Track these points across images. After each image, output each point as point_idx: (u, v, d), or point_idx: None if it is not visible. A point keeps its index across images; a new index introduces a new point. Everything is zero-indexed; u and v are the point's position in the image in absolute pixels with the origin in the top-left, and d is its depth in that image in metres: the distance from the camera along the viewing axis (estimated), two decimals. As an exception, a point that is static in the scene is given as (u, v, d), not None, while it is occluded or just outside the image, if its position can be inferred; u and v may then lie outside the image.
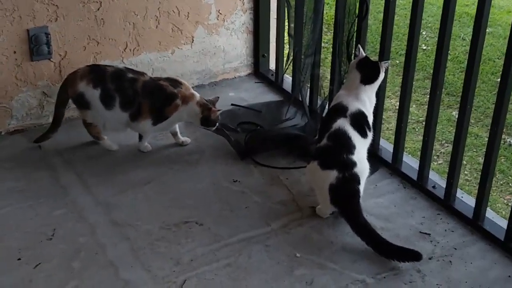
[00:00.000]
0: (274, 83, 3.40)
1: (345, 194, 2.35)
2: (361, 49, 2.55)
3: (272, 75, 3.44)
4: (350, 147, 2.37)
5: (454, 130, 2.50)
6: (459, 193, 2.57)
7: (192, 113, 2.75)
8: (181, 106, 2.73)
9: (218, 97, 2.84)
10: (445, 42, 2.41)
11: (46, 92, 2.95)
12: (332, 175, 2.34)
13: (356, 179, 2.35)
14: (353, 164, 2.35)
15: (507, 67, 2.20)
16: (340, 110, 2.44)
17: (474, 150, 3.96)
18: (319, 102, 3.06)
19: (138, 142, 2.85)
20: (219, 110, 2.77)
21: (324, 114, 2.87)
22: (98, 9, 2.92)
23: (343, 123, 2.40)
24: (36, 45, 2.83)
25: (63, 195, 2.58)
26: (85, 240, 2.35)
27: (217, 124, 2.78)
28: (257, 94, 3.35)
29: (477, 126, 4.19)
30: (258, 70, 3.49)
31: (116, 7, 2.96)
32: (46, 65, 2.91)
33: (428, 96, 2.54)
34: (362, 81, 2.49)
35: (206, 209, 2.52)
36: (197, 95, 2.78)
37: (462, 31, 5.29)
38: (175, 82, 2.76)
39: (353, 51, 2.74)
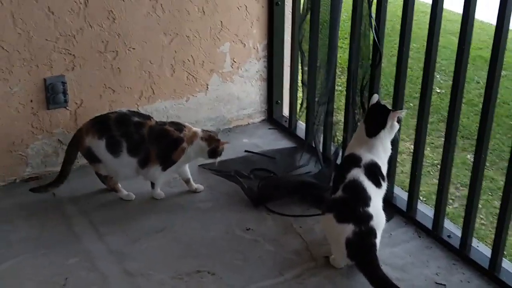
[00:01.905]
0: (288, 130, 3.42)
1: (362, 248, 2.32)
2: (374, 96, 2.52)
3: (286, 121, 3.46)
4: (366, 199, 2.35)
5: (469, 173, 2.48)
6: (475, 243, 2.54)
7: (198, 150, 2.77)
8: (188, 147, 2.75)
9: (220, 129, 2.86)
10: (460, 85, 2.40)
11: (61, 140, 2.98)
12: (349, 229, 2.32)
13: (373, 233, 2.33)
14: (370, 217, 2.33)
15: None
16: (354, 161, 2.43)
17: (490, 193, 3.92)
18: (332, 149, 3.07)
19: (151, 190, 2.86)
20: (226, 142, 2.80)
21: (337, 162, 2.87)
22: (115, 58, 2.97)
23: (357, 174, 2.39)
24: (53, 94, 2.87)
25: (76, 243, 2.58)
26: (98, 290, 2.35)
27: (221, 153, 2.80)
28: (270, 141, 3.36)
29: (492, 169, 4.16)
30: (272, 117, 3.51)
31: (132, 56, 3.01)
32: (62, 113, 2.95)
33: (443, 139, 2.52)
34: (367, 134, 2.47)
35: (219, 258, 2.51)
36: (198, 130, 2.79)
37: (476, 74, 5.31)
38: (178, 125, 2.78)
39: (367, 100, 2.75)
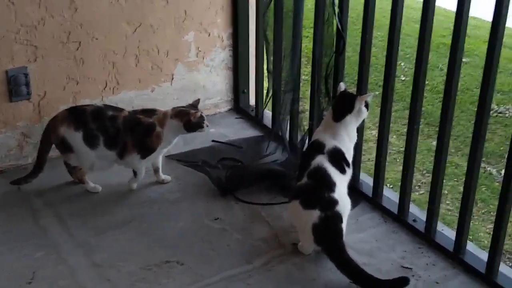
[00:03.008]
0: (255, 119, 3.43)
1: (329, 233, 2.34)
2: (341, 85, 2.56)
3: (252, 110, 3.47)
4: (330, 185, 2.37)
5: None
6: (440, 226, 2.58)
7: (174, 129, 2.73)
8: (162, 131, 2.73)
9: (199, 99, 2.85)
10: (422, 70, 2.43)
11: (25, 133, 2.94)
12: (315, 214, 2.34)
13: (338, 218, 2.35)
14: (335, 202, 2.36)
15: (483, 96, 2.23)
16: (317, 147, 2.45)
17: (455, 179, 3.99)
18: (299, 136, 3.08)
19: (130, 179, 2.84)
20: (197, 111, 2.72)
21: (303, 150, 2.88)
22: (77, 49, 2.94)
23: (321, 161, 2.41)
24: (15, 86, 2.83)
25: (43, 237, 2.55)
26: (66, 283, 2.32)
27: (205, 124, 2.74)
28: (237, 130, 3.37)
29: (457, 156, 4.23)
30: (238, 106, 3.51)
31: (95, 47, 2.98)
32: (25, 105, 2.91)
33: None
34: (333, 118, 2.49)
35: (187, 248, 2.50)
36: (168, 110, 2.76)
37: (440, 62, 5.37)
38: (149, 112, 2.77)
39: (332, 87, 2.78)
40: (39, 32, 2.81)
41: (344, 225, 2.39)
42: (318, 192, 2.37)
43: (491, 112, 4.32)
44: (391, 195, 2.77)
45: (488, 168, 4.09)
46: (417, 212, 2.67)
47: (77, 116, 2.68)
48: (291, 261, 2.44)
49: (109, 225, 2.63)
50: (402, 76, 5.17)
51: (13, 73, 2.81)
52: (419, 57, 2.42)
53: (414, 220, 2.61)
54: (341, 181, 2.43)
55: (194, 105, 2.81)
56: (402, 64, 5.30)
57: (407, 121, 2.59)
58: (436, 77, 5.15)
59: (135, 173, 2.83)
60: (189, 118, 2.71)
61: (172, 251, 2.48)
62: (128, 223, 2.64)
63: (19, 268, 2.38)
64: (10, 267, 2.39)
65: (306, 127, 3.03)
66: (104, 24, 2.96)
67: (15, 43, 2.78)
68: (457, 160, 4.18)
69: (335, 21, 2.67)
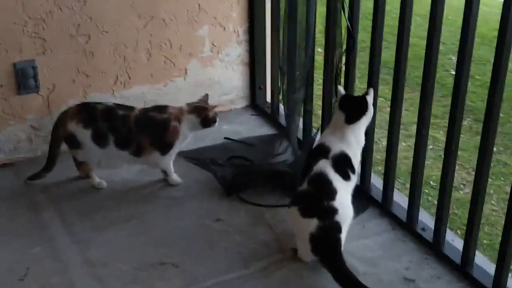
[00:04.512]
0: (270, 116, 3.33)
1: (326, 244, 2.23)
2: (340, 88, 2.44)
3: (269, 107, 3.36)
4: (331, 193, 2.24)
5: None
6: (450, 236, 2.42)
7: (191, 124, 2.71)
8: (179, 126, 2.69)
9: (207, 94, 2.81)
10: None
11: (34, 126, 2.94)
12: (313, 223, 2.22)
13: (337, 228, 2.23)
14: (334, 211, 2.22)
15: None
16: (322, 151, 2.32)
17: (502, 178, 3.77)
18: (312, 135, 2.96)
19: (166, 178, 2.81)
20: (214, 107, 2.72)
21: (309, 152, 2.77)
22: (87, 42, 2.90)
23: (324, 166, 2.28)
24: (23, 78, 2.82)
25: (42, 232, 2.53)
26: (57, 281, 2.28)
27: (217, 120, 2.73)
28: (252, 127, 3.27)
29: (506, 154, 4.01)
30: (254, 103, 3.42)
31: (105, 40, 2.93)
32: (34, 98, 2.90)
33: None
34: (347, 120, 2.36)
35: (185, 249, 2.44)
36: (183, 106, 2.73)
37: (492, 56, 5.10)
38: (161, 108, 2.73)
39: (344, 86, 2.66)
40: (47, 25, 2.79)
41: (343, 235, 2.26)
42: (317, 200, 2.24)
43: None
44: (401, 201, 2.62)
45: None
46: (428, 220, 2.52)
47: (87, 113, 2.66)
48: (289, 267, 2.34)
49: (109, 222, 2.59)
50: (452, 70, 4.94)
51: (21, 66, 2.80)
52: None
53: (423, 229, 2.46)
54: (344, 188, 2.30)
55: (205, 100, 2.76)
56: (454, 58, 5.07)
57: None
58: (487, 72, 4.89)
59: (165, 173, 2.79)
60: (207, 114, 2.69)
61: (168, 252, 2.42)
62: (128, 221, 2.59)
63: (14, 263, 2.36)
64: (5, 263, 2.37)
65: (317, 127, 2.90)
66: (114, 17, 2.91)
67: (23, 36, 2.76)
68: (505, 159, 3.95)
69: (344, 19, 2.54)
